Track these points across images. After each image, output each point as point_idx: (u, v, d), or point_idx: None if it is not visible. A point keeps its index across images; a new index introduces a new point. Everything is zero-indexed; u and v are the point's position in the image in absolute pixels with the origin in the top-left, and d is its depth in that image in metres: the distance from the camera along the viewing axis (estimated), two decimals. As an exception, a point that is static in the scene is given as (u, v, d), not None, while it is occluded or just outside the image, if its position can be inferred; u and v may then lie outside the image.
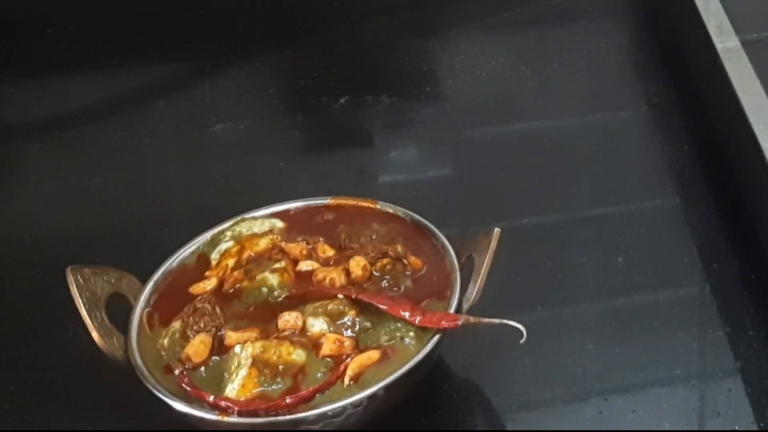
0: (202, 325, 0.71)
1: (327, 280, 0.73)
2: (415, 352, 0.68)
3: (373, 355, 0.68)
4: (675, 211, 0.90)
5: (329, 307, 0.71)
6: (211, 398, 0.66)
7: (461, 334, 0.72)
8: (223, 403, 0.66)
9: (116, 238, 0.89)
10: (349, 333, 0.70)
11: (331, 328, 0.70)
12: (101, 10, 1.22)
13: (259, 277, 0.74)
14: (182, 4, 1.21)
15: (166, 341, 0.71)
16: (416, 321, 0.69)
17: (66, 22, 1.21)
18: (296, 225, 0.79)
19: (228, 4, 1.22)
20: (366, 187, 0.95)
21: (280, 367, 0.68)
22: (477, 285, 0.70)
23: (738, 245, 0.85)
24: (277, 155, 1.00)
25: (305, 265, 0.75)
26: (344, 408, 0.65)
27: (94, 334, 0.69)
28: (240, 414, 0.65)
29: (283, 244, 0.77)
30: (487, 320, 0.69)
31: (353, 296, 0.71)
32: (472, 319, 0.69)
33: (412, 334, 0.69)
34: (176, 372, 0.68)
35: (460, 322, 0.69)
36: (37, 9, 1.22)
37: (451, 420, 0.73)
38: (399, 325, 0.70)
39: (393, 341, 0.69)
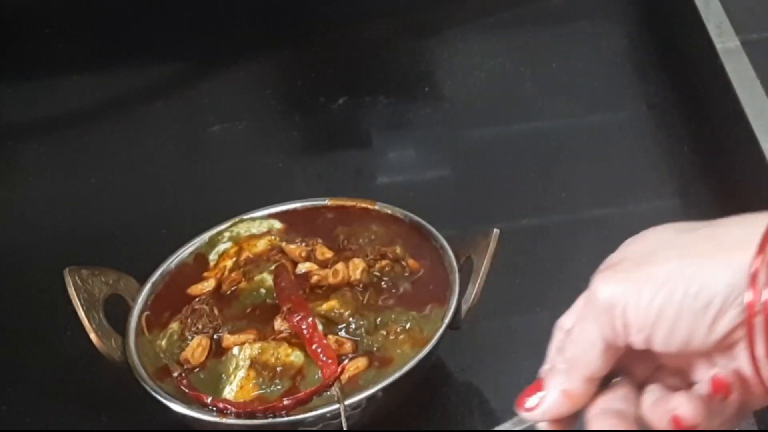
0: (200, 326, 0.71)
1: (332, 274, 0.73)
2: (413, 354, 0.67)
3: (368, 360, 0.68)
4: (675, 211, 0.90)
5: (324, 308, 0.71)
6: (209, 400, 0.66)
7: (461, 335, 0.72)
8: (220, 405, 0.66)
9: (114, 239, 0.89)
10: (343, 334, 0.70)
11: (328, 328, 0.70)
12: (101, 10, 1.22)
13: (257, 278, 0.74)
14: (181, 5, 1.21)
15: (164, 342, 0.71)
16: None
17: (65, 22, 1.21)
18: (295, 226, 0.79)
19: (227, 5, 1.22)
20: (364, 187, 0.95)
21: (278, 369, 0.67)
22: (476, 286, 0.70)
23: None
24: (276, 156, 1.00)
25: (303, 267, 0.75)
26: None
27: (92, 336, 0.69)
28: (237, 416, 0.65)
29: (283, 244, 0.77)
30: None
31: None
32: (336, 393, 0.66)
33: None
34: (174, 375, 0.68)
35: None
36: (36, 9, 1.22)
37: (449, 422, 0.72)
38: (397, 328, 0.69)
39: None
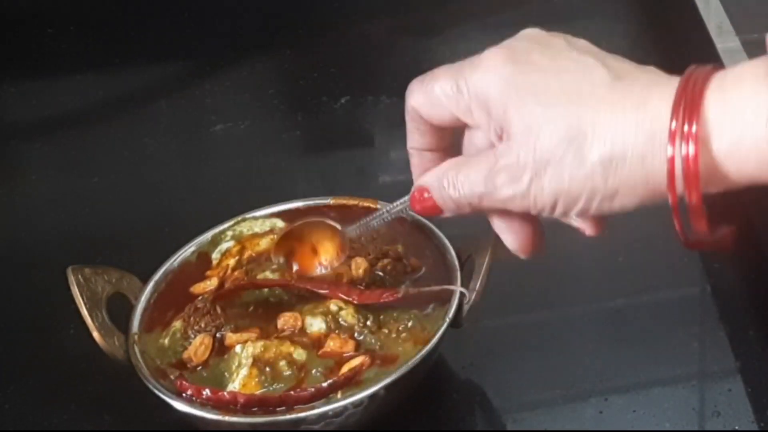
0: (202, 324, 0.71)
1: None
2: (415, 353, 0.68)
3: (370, 358, 0.68)
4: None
5: (328, 306, 0.71)
6: (207, 392, 0.66)
7: (461, 334, 0.72)
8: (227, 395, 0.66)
9: (117, 238, 0.89)
10: (345, 332, 0.70)
11: (331, 327, 0.70)
12: (101, 10, 1.22)
13: (259, 276, 0.74)
14: (182, 4, 1.21)
15: (166, 341, 0.71)
16: (354, 300, 0.70)
17: (66, 22, 1.21)
18: (297, 225, 0.79)
19: (228, 4, 1.22)
20: (366, 187, 0.95)
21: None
22: (477, 285, 0.70)
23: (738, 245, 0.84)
24: (278, 155, 1.00)
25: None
26: (345, 408, 0.65)
27: (95, 334, 0.69)
28: (243, 406, 0.65)
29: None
30: (427, 289, 0.70)
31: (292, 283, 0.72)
32: (411, 290, 0.70)
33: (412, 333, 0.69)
34: (171, 377, 0.68)
35: (400, 294, 0.70)
36: (37, 9, 1.22)
37: (451, 420, 0.73)
38: (399, 326, 0.70)
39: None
